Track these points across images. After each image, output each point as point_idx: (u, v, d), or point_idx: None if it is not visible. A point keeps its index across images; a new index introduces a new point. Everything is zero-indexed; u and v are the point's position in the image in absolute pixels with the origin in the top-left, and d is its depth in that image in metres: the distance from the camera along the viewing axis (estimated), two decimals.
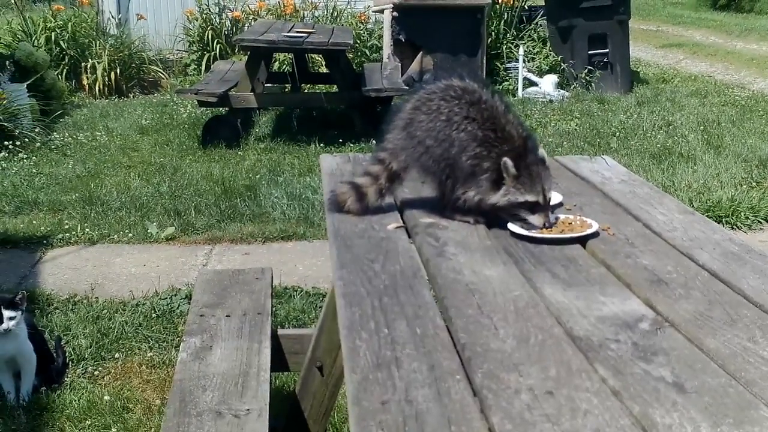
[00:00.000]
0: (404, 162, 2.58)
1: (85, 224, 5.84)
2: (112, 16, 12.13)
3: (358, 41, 11.28)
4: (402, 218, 2.62)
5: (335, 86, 8.73)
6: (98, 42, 11.27)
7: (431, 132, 2.50)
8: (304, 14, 11.84)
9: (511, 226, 2.45)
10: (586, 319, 1.86)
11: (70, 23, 11.27)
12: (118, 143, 8.27)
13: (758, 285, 2.07)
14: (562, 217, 2.53)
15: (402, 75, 10.16)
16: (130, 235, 5.71)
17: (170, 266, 5.25)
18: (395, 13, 10.26)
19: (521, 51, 10.56)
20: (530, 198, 2.42)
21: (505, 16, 11.40)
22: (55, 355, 3.95)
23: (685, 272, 2.16)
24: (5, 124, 7.61)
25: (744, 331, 1.80)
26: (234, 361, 2.72)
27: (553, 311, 1.91)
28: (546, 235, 2.40)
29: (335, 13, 11.94)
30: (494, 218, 2.53)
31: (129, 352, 4.15)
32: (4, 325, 3.51)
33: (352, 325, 1.85)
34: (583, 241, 2.40)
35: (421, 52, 10.34)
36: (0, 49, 9.68)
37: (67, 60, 11.15)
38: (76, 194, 6.47)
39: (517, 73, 10.59)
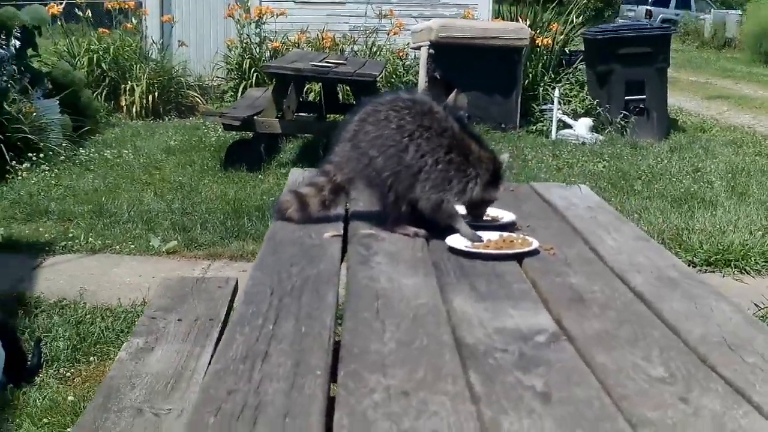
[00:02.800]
0: (349, 174, 2.55)
1: (90, 234, 5.85)
2: (154, 42, 12.28)
3: (394, 77, 11.30)
4: (346, 228, 2.58)
5: None
6: (139, 65, 11.38)
7: (377, 141, 2.47)
8: (343, 48, 11.88)
9: (449, 240, 2.40)
10: (483, 330, 1.80)
11: (112, 46, 11.43)
12: (142, 161, 8.31)
13: (681, 308, 1.99)
14: (505, 234, 2.47)
15: None
16: (132, 246, 5.71)
17: (165, 278, 5.23)
18: (431, 50, 10.25)
19: (557, 93, 10.48)
20: (495, 195, 2.52)
21: (544, 58, 11.34)
22: (30, 355, 3.94)
23: (611, 293, 2.09)
24: (31, 137, 7.69)
25: (643, 350, 1.73)
26: (171, 363, 2.68)
27: (454, 320, 1.85)
28: (482, 250, 2.34)
29: (374, 48, 11.97)
30: (436, 231, 2.48)
31: (105, 356, 4.12)
32: None
33: (240, 319, 1.81)
34: (520, 258, 2.34)
35: (455, 91, 10.31)
36: (39, 67, 9.80)
37: (107, 81, 11.28)
38: (89, 206, 6.50)
39: (552, 114, 10.51)
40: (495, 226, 2.61)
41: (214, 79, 12.32)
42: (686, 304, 2.02)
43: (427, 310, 1.88)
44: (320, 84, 9.64)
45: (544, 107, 10.88)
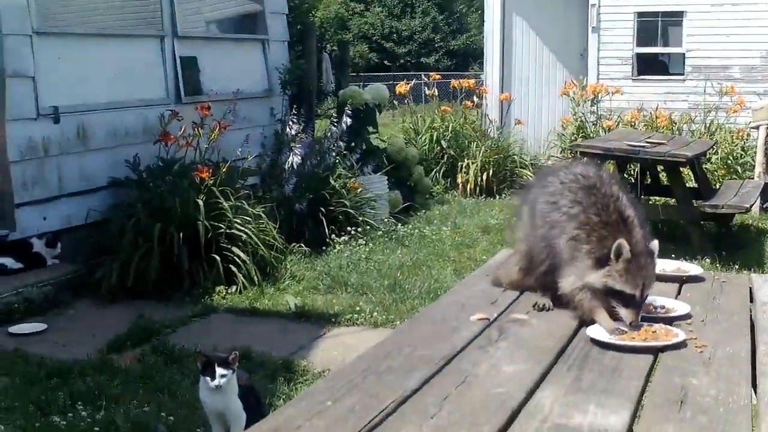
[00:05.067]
0: (525, 240, 2.64)
1: (377, 308, 6.11)
2: (492, 121, 12.63)
3: (731, 158, 10.81)
4: (506, 309, 2.59)
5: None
6: (476, 143, 11.72)
7: (541, 212, 2.50)
8: (680, 127, 11.54)
9: (589, 330, 2.33)
10: (539, 424, 1.75)
11: (451, 124, 11.89)
12: (458, 239, 8.54)
13: None
14: (656, 326, 2.36)
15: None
16: None
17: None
18: None
19: None
20: (628, 290, 2.32)
21: None
22: None
23: (725, 398, 1.93)
24: (351, 211, 8.17)
25: None
26: None
27: (521, 411, 1.81)
28: (617, 341, 2.25)
29: (713, 128, 11.52)
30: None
31: None
32: (216, 382, 3.80)
33: (308, 393, 1.88)
34: (663, 352, 2.23)
35: None
36: (378, 143, 10.39)
37: (446, 158, 11.71)
38: (388, 281, 6.78)
39: None
40: (662, 318, 2.49)
41: (549, 158, 12.43)
42: None
43: (499, 400, 1.86)
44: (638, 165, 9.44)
45: None
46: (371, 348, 2.23)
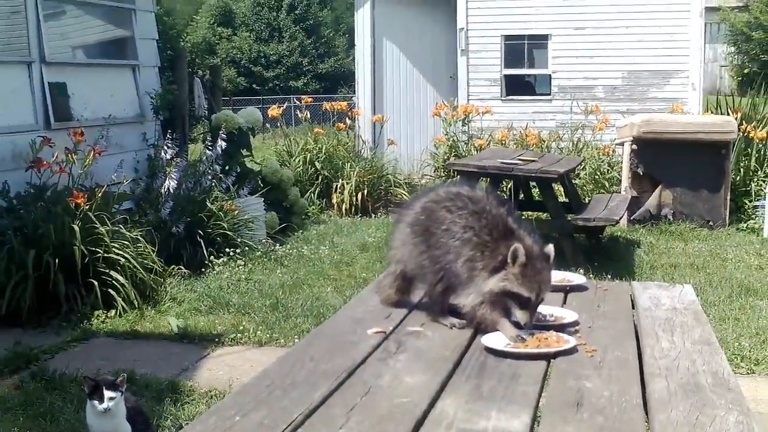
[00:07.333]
0: (407, 263, 2.66)
1: (260, 327, 6.10)
2: (364, 142, 12.75)
3: (598, 173, 11.18)
4: (401, 322, 2.64)
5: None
6: (350, 164, 11.81)
7: (431, 238, 2.54)
8: (549, 145, 11.88)
9: (484, 339, 2.40)
10: (448, 430, 1.80)
11: (325, 146, 11.95)
12: (336, 258, 8.57)
13: (678, 417, 1.91)
14: (546, 333, 2.44)
15: (639, 208, 9.98)
16: (297, 339, 5.89)
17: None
18: (634, 146, 10.14)
19: None
20: (524, 292, 2.40)
21: (760, 152, 10.88)
22: None
23: (618, 398, 2.02)
24: (229, 232, 8.14)
25: None
26: None
27: (425, 420, 1.85)
28: (511, 350, 2.33)
29: (580, 145, 11.90)
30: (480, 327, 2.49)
31: None
32: (104, 405, 3.75)
33: (217, 408, 1.89)
34: (555, 357, 2.31)
35: (660, 186, 10.11)
36: (252, 166, 10.35)
37: (320, 179, 11.76)
38: (269, 301, 6.77)
39: (765, 211, 10.03)
40: (553, 325, 2.58)
41: (422, 176, 12.61)
42: (688, 413, 1.93)
43: (403, 409, 1.90)
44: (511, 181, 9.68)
45: (756, 203, 10.42)
46: (272, 364, 2.24)
